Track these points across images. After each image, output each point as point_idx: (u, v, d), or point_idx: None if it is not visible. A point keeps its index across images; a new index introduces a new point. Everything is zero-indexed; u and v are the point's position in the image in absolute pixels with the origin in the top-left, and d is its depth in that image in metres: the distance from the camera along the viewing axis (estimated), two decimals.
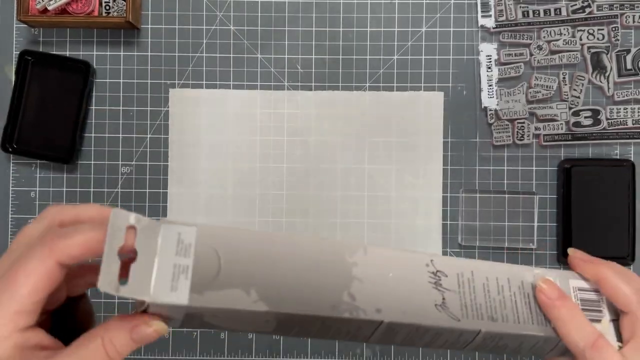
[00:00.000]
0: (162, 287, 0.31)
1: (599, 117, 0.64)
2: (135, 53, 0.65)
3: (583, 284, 0.42)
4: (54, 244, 0.31)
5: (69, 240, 0.31)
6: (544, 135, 0.64)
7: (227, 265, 0.33)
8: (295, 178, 0.65)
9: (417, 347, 0.38)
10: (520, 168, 0.65)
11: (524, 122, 0.64)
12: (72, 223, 0.34)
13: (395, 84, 0.65)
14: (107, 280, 0.30)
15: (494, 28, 0.64)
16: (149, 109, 0.65)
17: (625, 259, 0.63)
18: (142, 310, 0.32)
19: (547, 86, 0.64)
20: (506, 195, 0.64)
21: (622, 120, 0.64)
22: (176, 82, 0.65)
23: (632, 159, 0.64)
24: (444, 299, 0.38)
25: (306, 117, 0.65)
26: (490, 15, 0.64)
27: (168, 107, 0.65)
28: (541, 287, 0.40)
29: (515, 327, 0.39)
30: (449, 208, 0.65)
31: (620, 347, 0.40)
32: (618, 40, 0.64)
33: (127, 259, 0.31)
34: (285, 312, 0.34)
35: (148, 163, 0.65)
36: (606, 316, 0.41)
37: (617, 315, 0.41)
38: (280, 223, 0.64)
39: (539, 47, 0.64)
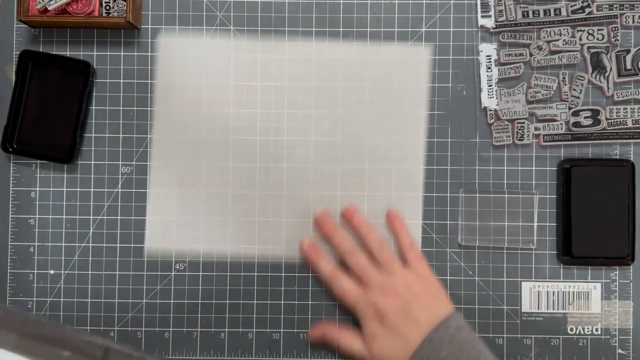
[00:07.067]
0: None
1: (598, 117, 0.64)
2: (136, 53, 0.65)
3: None
4: None
5: None
6: (544, 135, 0.64)
7: None
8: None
9: None
10: (520, 168, 0.65)
11: (523, 122, 0.64)
12: None
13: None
14: None
15: (493, 28, 0.64)
16: (149, 109, 0.65)
17: (625, 259, 0.63)
18: None
19: (546, 86, 0.64)
20: (506, 196, 0.64)
21: (621, 120, 0.64)
22: None
23: (631, 159, 0.64)
24: None
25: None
26: (490, 16, 0.64)
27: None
28: None
29: None
30: (448, 208, 0.65)
31: None
32: (618, 40, 0.64)
33: None
34: None
35: (148, 163, 0.65)
36: None
37: None
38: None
39: (539, 47, 0.64)
